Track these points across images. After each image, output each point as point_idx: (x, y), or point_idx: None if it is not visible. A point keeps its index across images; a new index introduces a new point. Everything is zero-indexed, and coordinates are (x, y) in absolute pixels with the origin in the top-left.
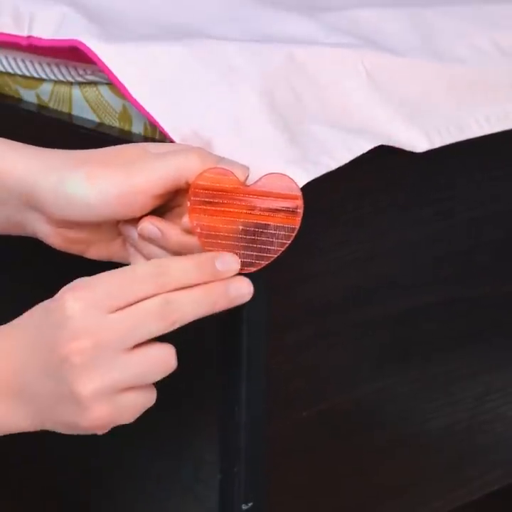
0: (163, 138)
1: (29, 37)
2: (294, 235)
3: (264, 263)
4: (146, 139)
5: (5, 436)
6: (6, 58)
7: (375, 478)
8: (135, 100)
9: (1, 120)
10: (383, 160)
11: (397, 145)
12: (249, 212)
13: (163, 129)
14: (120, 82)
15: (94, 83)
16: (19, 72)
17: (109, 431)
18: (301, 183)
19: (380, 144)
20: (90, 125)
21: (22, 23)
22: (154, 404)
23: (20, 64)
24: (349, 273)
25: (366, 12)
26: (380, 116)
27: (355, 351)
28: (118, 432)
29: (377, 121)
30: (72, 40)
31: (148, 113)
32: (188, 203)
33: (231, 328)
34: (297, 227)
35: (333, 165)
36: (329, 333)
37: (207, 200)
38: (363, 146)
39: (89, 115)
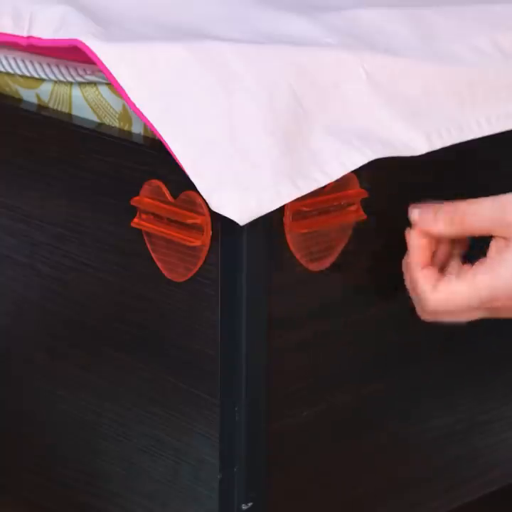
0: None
1: (29, 37)
2: (196, 253)
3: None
4: (145, 138)
5: (5, 436)
6: (6, 58)
7: (375, 478)
8: (133, 103)
9: (1, 120)
10: (382, 160)
11: (395, 153)
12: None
13: (158, 134)
14: (118, 84)
15: (94, 83)
16: (19, 72)
17: (108, 430)
18: (290, 199)
19: (374, 157)
20: (90, 125)
21: (22, 23)
22: (154, 404)
23: (20, 64)
24: (349, 273)
25: (366, 12)
26: (380, 119)
27: (355, 351)
28: (118, 432)
29: (378, 123)
30: (72, 40)
31: (145, 117)
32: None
33: (231, 328)
34: (197, 246)
35: (323, 181)
36: (329, 332)
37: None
38: (356, 160)
39: (89, 115)
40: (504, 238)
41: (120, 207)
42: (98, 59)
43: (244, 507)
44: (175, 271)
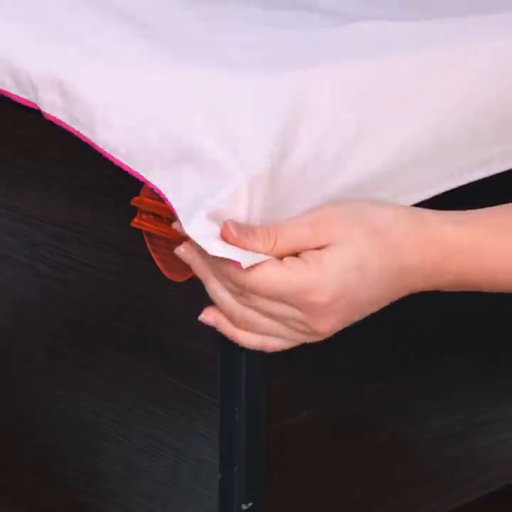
0: None
1: (34, 104)
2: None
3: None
4: None
5: (5, 436)
6: None
7: (374, 479)
8: (129, 168)
9: (0, 120)
10: None
11: None
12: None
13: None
14: (120, 162)
15: None
16: None
17: (108, 430)
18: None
19: None
20: None
21: (25, 88)
22: (154, 404)
23: None
24: None
25: (367, 25)
26: (366, 167)
27: (355, 351)
28: (118, 432)
29: (362, 173)
30: (70, 128)
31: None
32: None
33: None
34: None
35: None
36: None
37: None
38: None
39: None
40: (317, 250)
41: (120, 207)
42: (97, 147)
43: (244, 507)
44: (175, 271)
